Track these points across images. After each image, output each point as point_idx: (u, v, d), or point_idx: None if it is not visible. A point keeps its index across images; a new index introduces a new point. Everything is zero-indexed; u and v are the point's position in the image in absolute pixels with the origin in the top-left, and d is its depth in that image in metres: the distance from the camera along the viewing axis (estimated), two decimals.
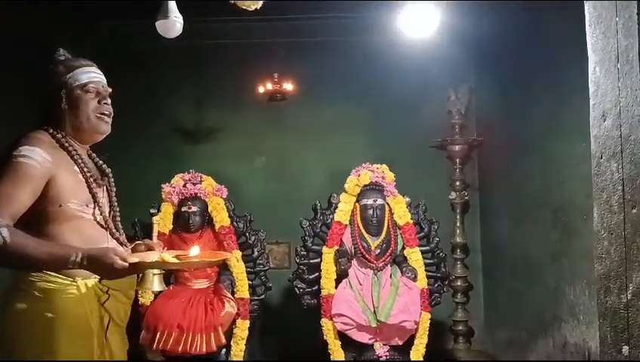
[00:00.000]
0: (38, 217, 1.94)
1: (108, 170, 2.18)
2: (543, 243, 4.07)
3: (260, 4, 2.76)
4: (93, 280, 2.03)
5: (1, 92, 3.95)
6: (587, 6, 1.68)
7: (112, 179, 2.19)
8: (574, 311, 3.67)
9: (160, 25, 3.00)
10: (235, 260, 3.96)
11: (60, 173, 1.97)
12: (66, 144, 2.04)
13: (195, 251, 2.13)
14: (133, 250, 2.14)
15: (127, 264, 1.85)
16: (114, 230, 2.13)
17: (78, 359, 1.97)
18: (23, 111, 3.73)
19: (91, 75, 2.10)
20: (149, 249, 2.16)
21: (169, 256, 2.04)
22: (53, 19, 4.59)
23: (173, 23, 2.97)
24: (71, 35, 4.69)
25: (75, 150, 2.06)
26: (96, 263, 1.84)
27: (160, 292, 3.87)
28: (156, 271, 3.03)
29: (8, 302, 1.97)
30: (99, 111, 2.10)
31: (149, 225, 3.93)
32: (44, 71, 2.10)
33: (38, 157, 1.91)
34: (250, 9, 2.74)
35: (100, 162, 2.18)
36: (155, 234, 3.02)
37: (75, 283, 1.99)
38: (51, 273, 1.95)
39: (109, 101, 2.14)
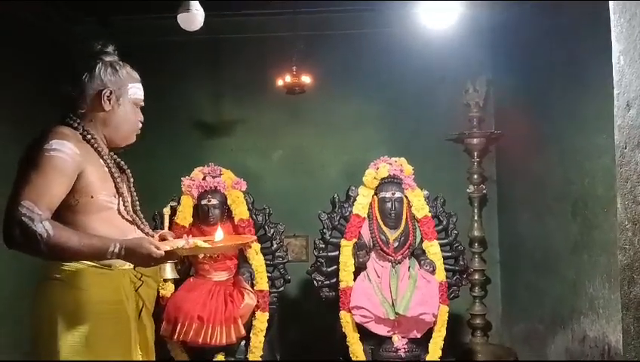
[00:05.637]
0: (70, 209, 1.97)
1: (125, 166, 2.22)
2: (562, 236, 4.05)
3: None
4: (128, 267, 2.07)
5: (11, 88, 4.01)
6: None
7: (130, 174, 2.23)
8: (594, 305, 3.65)
9: (181, 18, 3.04)
10: (255, 253, 3.99)
11: (88, 166, 2.00)
12: (92, 140, 2.08)
13: (219, 235, 2.20)
14: None
15: (162, 252, 1.90)
16: (139, 222, 2.17)
17: (118, 345, 2.01)
18: (34, 104, 3.79)
19: (142, 92, 2.18)
20: (162, 238, 2.20)
21: (201, 241, 2.10)
22: (69, 14, 4.65)
23: (194, 17, 3.02)
24: (88, 28, 4.75)
25: (99, 144, 2.10)
26: (133, 253, 1.90)
27: (180, 283, 3.94)
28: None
29: (42, 293, 2.00)
30: (138, 126, 2.18)
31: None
32: (82, 65, 2.09)
33: (69, 150, 1.94)
34: None
35: (118, 159, 2.22)
36: (166, 224, 3.03)
37: (111, 271, 2.03)
38: (87, 261, 1.97)
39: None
